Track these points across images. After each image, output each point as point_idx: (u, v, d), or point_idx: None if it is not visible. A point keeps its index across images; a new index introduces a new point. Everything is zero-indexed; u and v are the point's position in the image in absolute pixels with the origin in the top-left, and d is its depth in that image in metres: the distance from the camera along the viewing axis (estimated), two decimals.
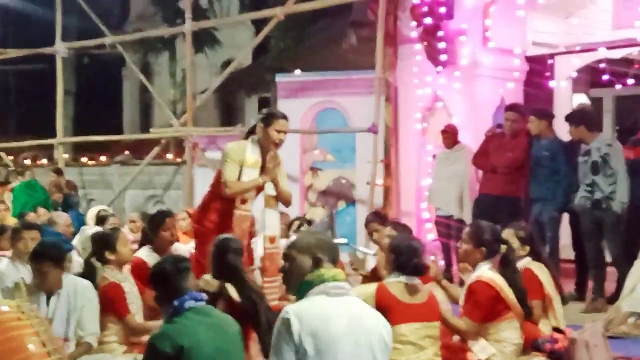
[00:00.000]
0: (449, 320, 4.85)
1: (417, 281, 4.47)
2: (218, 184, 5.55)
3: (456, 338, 4.92)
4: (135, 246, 6.92)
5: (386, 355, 3.12)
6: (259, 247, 7.52)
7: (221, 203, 5.54)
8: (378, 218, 6.45)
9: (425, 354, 4.30)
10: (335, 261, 3.18)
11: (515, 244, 5.28)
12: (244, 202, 5.49)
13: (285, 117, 5.55)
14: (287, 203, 5.74)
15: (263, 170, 5.47)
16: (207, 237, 5.32)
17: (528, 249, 5.37)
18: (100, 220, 7.89)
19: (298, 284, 3.13)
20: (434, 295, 4.60)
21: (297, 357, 2.91)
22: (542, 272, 5.29)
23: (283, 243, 7.54)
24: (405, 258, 4.43)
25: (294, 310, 2.96)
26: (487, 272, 4.80)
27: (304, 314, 2.95)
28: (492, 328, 4.76)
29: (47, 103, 14.86)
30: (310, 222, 7.66)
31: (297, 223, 7.50)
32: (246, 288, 4.60)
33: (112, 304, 5.01)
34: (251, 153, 5.42)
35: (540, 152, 7.47)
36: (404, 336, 4.27)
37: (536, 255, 5.42)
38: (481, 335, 4.76)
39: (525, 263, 5.34)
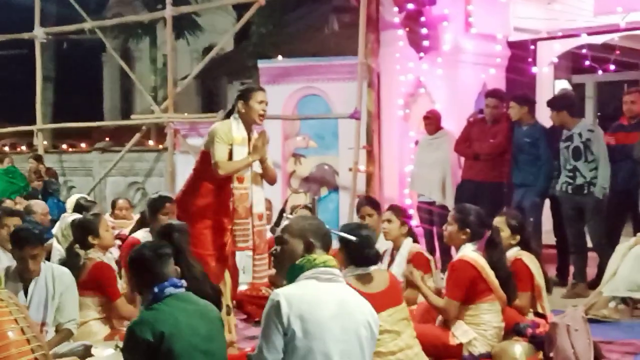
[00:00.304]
0: (430, 300, 4.86)
1: (372, 269, 4.31)
2: (202, 166, 5.47)
3: (439, 319, 4.93)
4: (116, 232, 6.91)
5: (372, 343, 3.16)
6: None
7: (207, 185, 5.47)
8: (370, 202, 6.40)
9: (402, 339, 4.25)
10: (327, 247, 3.20)
11: (506, 232, 5.28)
12: (240, 180, 5.45)
13: (262, 89, 5.52)
14: (273, 181, 5.70)
15: (249, 147, 5.44)
16: (194, 221, 5.28)
17: (518, 237, 5.36)
18: (79, 207, 7.82)
19: (288, 268, 3.14)
20: (394, 278, 4.54)
21: (284, 339, 2.93)
22: (532, 263, 5.28)
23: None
24: (355, 250, 4.25)
25: (284, 293, 2.98)
26: (470, 252, 4.81)
27: (294, 297, 2.97)
28: (472, 309, 4.76)
29: (25, 89, 14.71)
30: (310, 209, 7.64)
31: (298, 209, 7.51)
32: (190, 268, 4.57)
33: (103, 284, 5.06)
34: (237, 131, 5.37)
35: (521, 138, 7.48)
36: (379, 326, 4.23)
37: (525, 244, 5.41)
38: (460, 316, 4.77)
39: (514, 252, 5.33)
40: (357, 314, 3.09)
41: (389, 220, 5.67)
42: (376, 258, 4.44)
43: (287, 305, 2.93)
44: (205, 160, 5.41)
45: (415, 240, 5.79)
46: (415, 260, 5.50)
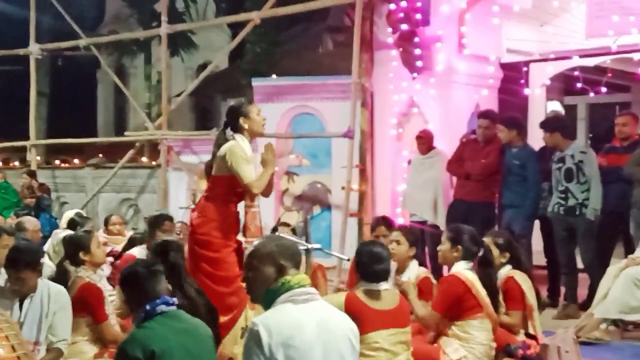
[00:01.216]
0: (414, 307, 4.86)
1: (382, 287, 4.40)
2: (217, 191, 5.35)
3: (430, 336, 4.94)
4: (108, 249, 6.90)
5: (355, 357, 3.12)
6: None
7: (224, 209, 5.36)
8: (384, 222, 6.38)
9: (398, 359, 4.30)
10: (298, 265, 3.15)
11: (495, 251, 5.30)
12: (252, 199, 5.45)
13: (251, 101, 5.54)
14: (268, 194, 5.61)
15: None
16: (220, 247, 5.21)
17: (508, 255, 5.39)
18: (72, 224, 7.82)
19: (262, 294, 3.09)
20: (405, 301, 4.59)
21: None
22: (524, 281, 5.31)
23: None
24: (365, 264, 4.40)
25: (261, 322, 2.93)
26: (463, 270, 4.83)
27: (272, 324, 2.92)
28: (461, 325, 4.78)
29: (20, 104, 14.70)
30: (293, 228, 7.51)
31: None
32: (185, 287, 4.57)
33: (89, 307, 4.99)
34: (248, 149, 5.34)
35: (511, 160, 7.52)
36: (376, 343, 4.25)
37: (516, 262, 5.43)
38: (448, 331, 4.79)
39: (506, 271, 5.35)
40: (337, 330, 3.05)
41: (397, 242, 5.61)
42: (386, 274, 4.49)
43: (267, 335, 2.88)
44: (220, 184, 5.32)
45: (422, 264, 5.77)
46: (422, 284, 5.46)
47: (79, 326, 4.93)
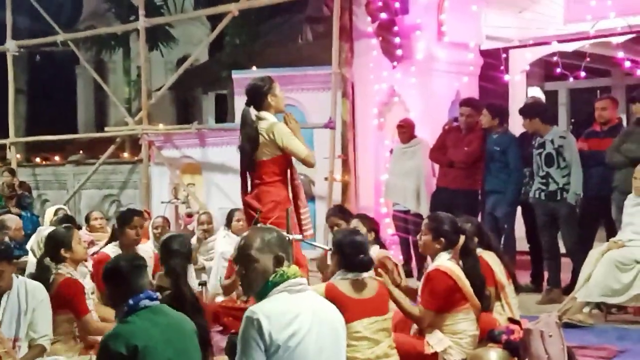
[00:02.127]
0: (404, 308, 4.87)
1: (364, 275, 4.43)
2: (275, 170, 5.41)
3: (414, 328, 4.94)
4: (94, 249, 6.85)
5: (343, 344, 3.18)
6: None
7: (283, 188, 5.47)
8: (339, 212, 6.46)
9: (380, 347, 4.31)
10: (290, 257, 3.16)
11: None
12: (296, 171, 5.58)
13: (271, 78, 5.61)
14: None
15: None
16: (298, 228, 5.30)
17: (476, 239, 5.42)
18: (65, 220, 7.75)
19: (259, 285, 3.08)
20: (383, 287, 4.58)
21: (267, 355, 2.90)
22: (492, 260, 5.35)
23: (222, 234, 7.50)
24: (349, 255, 4.40)
25: (260, 310, 2.94)
26: (446, 261, 4.84)
27: (272, 311, 2.94)
28: (448, 319, 4.79)
29: None
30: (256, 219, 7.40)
31: (237, 215, 7.40)
32: (180, 293, 4.59)
33: (70, 302, 4.96)
34: None
35: (492, 146, 7.54)
36: (358, 332, 4.26)
37: (486, 246, 5.46)
38: (437, 326, 4.79)
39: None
40: (329, 320, 3.10)
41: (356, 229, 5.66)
42: (370, 264, 4.50)
43: (268, 322, 2.89)
44: (274, 166, 5.40)
45: (383, 247, 5.82)
46: (381, 265, 5.49)
47: (58, 325, 4.89)
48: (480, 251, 5.36)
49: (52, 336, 4.76)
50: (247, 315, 2.94)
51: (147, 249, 6.26)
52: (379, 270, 5.16)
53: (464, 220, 5.49)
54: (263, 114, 5.41)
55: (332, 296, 4.21)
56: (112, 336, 3.31)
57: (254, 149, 5.40)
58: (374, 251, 5.66)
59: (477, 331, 4.86)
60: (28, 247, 6.99)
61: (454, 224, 4.98)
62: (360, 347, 4.24)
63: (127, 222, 5.82)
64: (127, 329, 3.33)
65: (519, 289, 5.69)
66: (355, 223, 5.78)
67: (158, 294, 3.56)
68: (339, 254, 4.43)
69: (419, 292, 4.94)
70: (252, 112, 5.46)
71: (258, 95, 5.44)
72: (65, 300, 4.93)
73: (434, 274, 4.80)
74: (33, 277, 5.09)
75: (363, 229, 5.64)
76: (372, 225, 5.92)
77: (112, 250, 5.77)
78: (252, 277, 3.11)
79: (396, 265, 5.68)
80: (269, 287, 3.05)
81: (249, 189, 5.57)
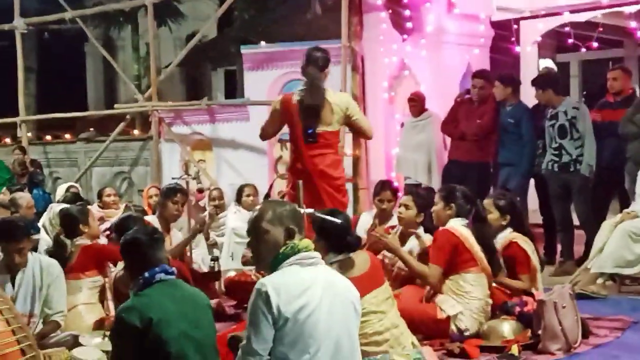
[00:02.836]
0: (412, 265, 4.86)
1: (351, 253, 4.32)
2: (336, 145, 5.75)
3: (426, 292, 4.95)
4: (106, 224, 6.90)
5: (357, 321, 3.16)
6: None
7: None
8: (391, 188, 6.24)
9: (388, 318, 4.29)
10: (302, 230, 3.15)
11: (495, 213, 5.30)
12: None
13: None
14: None
15: None
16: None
17: (508, 217, 5.38)
18: (75, 198, 7.81)
19: (271, 258, 3.07)
20: (374, 258, 4.54)
21: (275, 328, 2.90)
22: (527, 245, 5.33)
23: (232, 209, 7.53)
24: (336, 238, 4.25)
25: (270, 282, 2.94)
26: (455, 225, 4.84)
27: (281, 285, 2.93)
28: (456, 278, 4.80)
29: (7, 81, 14.56)
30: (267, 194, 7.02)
31: (247, 190, 7.45)
32: None
33: (96, 262, 5.20)
34: None
35: (505, 118, 7.50)
36: (364, 308, 4.21)
37: (518, 224, 5.42)
38: (445, 289, 4.80)
39: (508, 234, 5.35)
40: (342, 294, 3.08)
41: (406, 206, 5.47)
42: (358, 243, 4.43)
43: (276, 295, 2.89)
44: (336, 139, 5.76)
45: (427, 230, 5.52)
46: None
47: (78, 289, 4.96)
48: (513, 235, 5.32)
49: (66, 312, 4.81)
50: (257, 287, 2.94)
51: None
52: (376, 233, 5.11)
53: (498, 195, 5.46)
54: (329, 89, 5.66)
55: None
56: (127, 309, 3.31)
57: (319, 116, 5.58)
58: (414, 241, 5.42)
59: (489, 299, 4.86)
60: (40, 224, 7.02)
61: (465, 194, 4.98)
62: (369, 322, 4.21)
63: (169, 196, 6.12)
64: (142, 302, 3.33)
65: (541, 266, 5.66)
66: (405, 200, 5.51)
67: (174, 268, 3.56)
68: (324, 240, 4.20)
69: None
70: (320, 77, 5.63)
71: (326, 65, 5.69)
72: (90, 262, 5.04)
73: (441, 232, 4.87)
74: (49, 253, 5.14)
75: (414, 208, 5.41)
76: (424, 204, 5.45)
77: (152, 219, 6.06)
78: (262, 249, 3.11)
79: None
80: (279, 259, 3.04)
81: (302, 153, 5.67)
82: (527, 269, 5.27)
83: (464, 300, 4.78)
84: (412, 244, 5.42)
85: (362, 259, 4.35)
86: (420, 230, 5.50)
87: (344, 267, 4.18)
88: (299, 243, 3.07)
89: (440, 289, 4.89)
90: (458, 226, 4.84)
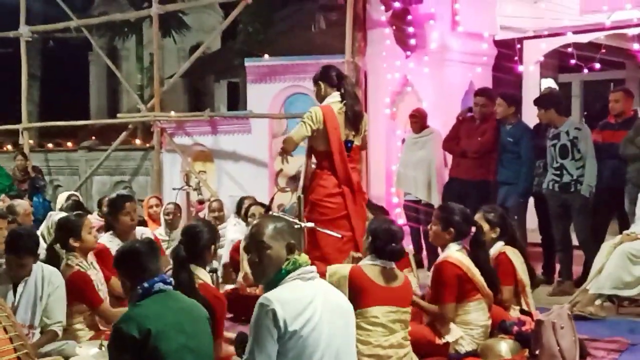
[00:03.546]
0: (423, 307, 4.85)
1: (393, 265, 4.44)
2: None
3: (425, 320, 4.93)
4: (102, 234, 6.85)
5: (353, 330, 3.21)
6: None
7: None
8: (370, 207, 6.36)
9: (395, 337, 4.31)
10: (301, 245, 3.19)
11: (485, 226, 5.29)
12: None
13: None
14: None
15: None
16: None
17: (498, 230, 5.38)
18: (76, 206, 7.78)
19: (272, 273, 3.09)
20: (409, 281, 4.60)
21: (279, 342, 2.91)
22: (515, 257, 5.31)
23: (232, 221, 7.51)
24: (382, 242, 4.39)
25: (274, 297, 2.95)
26: (454, 252, 4.82)
27: (286, 299, 2.95)
28: (459, 309, 4.77)
29: (11, 88, 14.59)
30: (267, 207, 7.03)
31: (247, 202, 7.41)
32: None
33: (82, 294, 4.92)
34: None
35: (505, 137, 7.51)
36: (375, 318, 4.26)
37: (510, 237, 5.42)
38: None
39: (499, 247, 5.34)
40: (339, 307, 3.13)
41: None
42: (400, 254, 4.49)
43: (282, 310, 2.91)
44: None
45: (417, 243, 5.82)
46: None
47: (71, 314, 4.89)
48: (503, 247, 5.32)
49: (65, 323, 4.77)
50: (261, 303, 2.95)
51: (154, 234, 6.27)
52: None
53: (488, 208, 5.46)
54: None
55: (356, 278, 4.24)
56: (125, 319, 3.30)
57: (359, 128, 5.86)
58: None
59: (489, 321, 4.85)
60: (38, 232, 7.00)
61: (464, 215, 4.96)
62: (374, 333, 4.24)
63: (119, 209, 5.68)
64: (140, 312, 3.33)
65: (534, 283, 5.66)
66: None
67: (172, 278, 3.55)
68: (373, 240, 4.43)
69: (429, 282, 4.94)
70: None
71: (341, 80, 5.98)
72: (77, 294, 4.89)
73: (442, 266, 4.79)
74: (43, 262, 5.10)
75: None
76: (386, 215, 5.91)
77: (109, 239, 5.63)
78: (265, 264, 3.11)
79: (407, 253, 5.59)
80: (282, 274, 3.06)
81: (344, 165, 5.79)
82: (511, 280, 5.25)
83: (467, 328, 4.76)
84: None
85: (399, 276, 4.47)
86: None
87: (383, 274, 4.35)
88: (299, 258, 3.11)
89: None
90: (458, 255, 4.81)
